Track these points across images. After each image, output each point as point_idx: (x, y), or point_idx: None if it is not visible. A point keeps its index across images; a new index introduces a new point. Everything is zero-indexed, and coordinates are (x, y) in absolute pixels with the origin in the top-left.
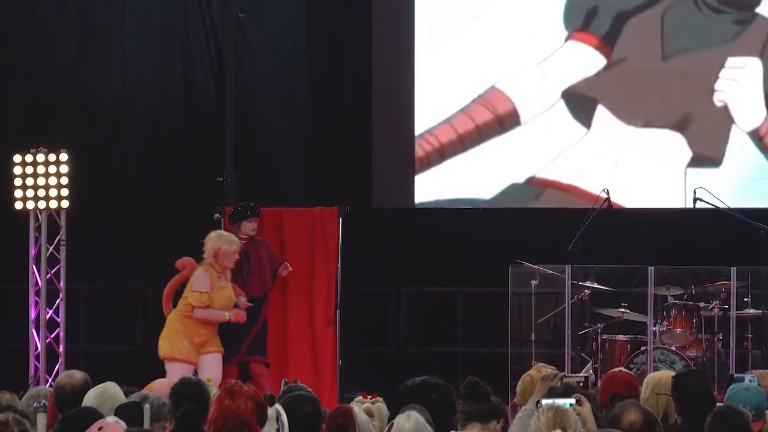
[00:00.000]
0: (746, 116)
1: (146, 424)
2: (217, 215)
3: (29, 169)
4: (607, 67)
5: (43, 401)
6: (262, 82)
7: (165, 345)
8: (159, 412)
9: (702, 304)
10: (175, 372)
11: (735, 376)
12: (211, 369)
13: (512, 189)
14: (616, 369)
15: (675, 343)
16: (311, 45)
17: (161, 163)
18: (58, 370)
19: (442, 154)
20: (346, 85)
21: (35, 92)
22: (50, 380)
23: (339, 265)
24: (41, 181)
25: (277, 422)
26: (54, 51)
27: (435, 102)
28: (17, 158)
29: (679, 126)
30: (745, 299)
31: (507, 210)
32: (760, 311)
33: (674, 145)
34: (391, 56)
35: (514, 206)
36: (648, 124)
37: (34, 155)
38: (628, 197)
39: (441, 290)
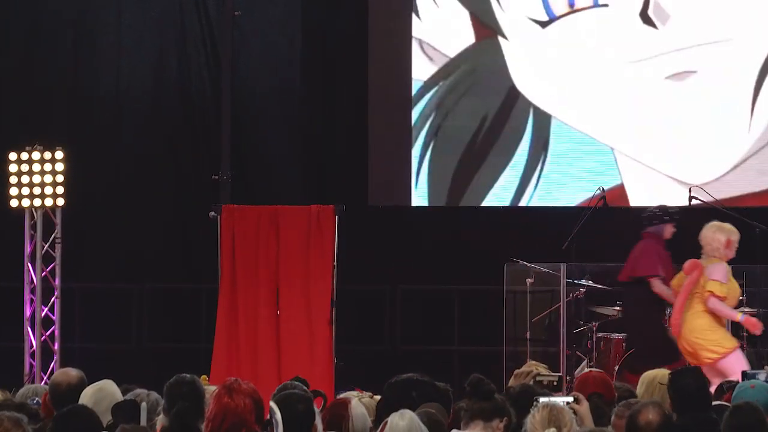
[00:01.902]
0: None
1: (143, 422)
2: (212, 213)
3: (24, 167)
4: None
5: (36, 399)
6: (258, 81)
7: (712, 348)
8: (156, 410)
9: None
10: (736, 362)
11: (747, 372)
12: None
13: None
14: (587, 369)
15: None
16: (307, 43)
17: (157, 161)
18: (53, 368)
19: None
20: (342, 82)
21: (31, 90)
22: (45, 378)
23: (335, 264)
24: (36, 179)
25: (272, 420)
26: (50, 49)
27: (432, 99)
28: (12, 156)
29: None
30: (741, 298)
31: (502, 208)
32: (755, 309)
33: None
34: (387, 52)
35: None
36: None
37: (30, 153)
38: None
39: (436, 288)
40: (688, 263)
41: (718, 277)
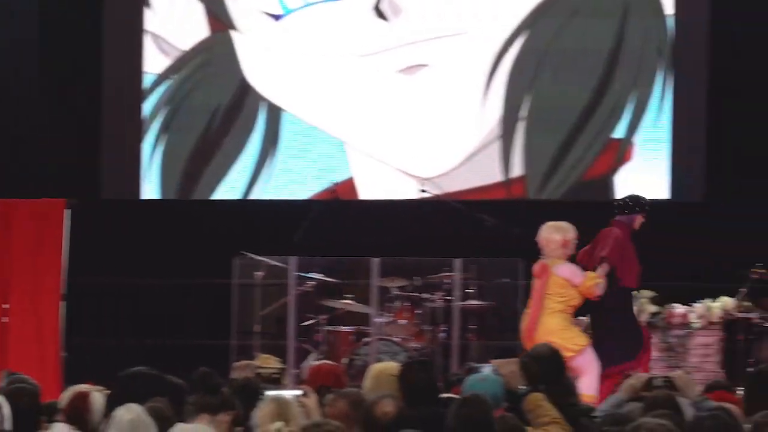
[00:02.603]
0: None
1: None
2: None
3: None
4: None
5: None
6: None
7: (569, 346)
8: None
9: (426, 296)
10: (590, 359)
11: (474, 366)
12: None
13: None
14: (321, 362)
15: (398, 335)
16: (43, 31)
17: None
18: None
19: None
20: (78, 74)
21: None
22: None
23: (65, 257)
24: None
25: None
26: None
27: (164, 92)
28: None
29: None
30: (470, 291)
31: (233, 201)
32: (484, 302)
33: None
34: (121, 44)
35: None
36: None
37: None
38: None
39: (168, 283)
40: (537, 266)
41: (570, 274)
